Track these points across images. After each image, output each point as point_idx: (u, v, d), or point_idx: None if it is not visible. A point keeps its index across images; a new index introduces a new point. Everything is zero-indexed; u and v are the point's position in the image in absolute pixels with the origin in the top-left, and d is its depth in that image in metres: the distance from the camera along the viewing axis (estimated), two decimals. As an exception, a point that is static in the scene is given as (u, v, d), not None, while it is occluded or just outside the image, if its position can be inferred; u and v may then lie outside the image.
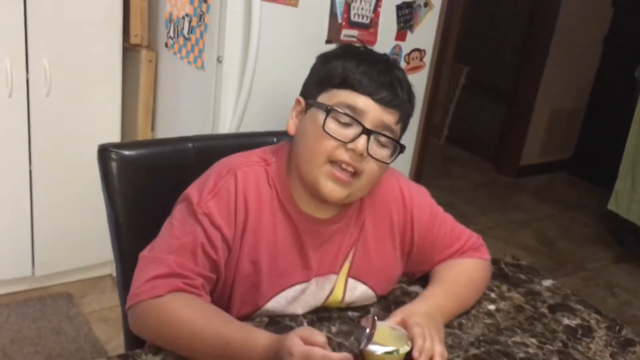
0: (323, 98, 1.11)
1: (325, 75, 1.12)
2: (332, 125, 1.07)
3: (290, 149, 1.18)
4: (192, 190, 1.12)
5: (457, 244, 1.29)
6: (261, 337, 0.97)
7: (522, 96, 4.38)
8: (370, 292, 1.23)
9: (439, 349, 1.03)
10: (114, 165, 1.24)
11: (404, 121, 1.13)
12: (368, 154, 1.07)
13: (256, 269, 1.13)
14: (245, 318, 1.15)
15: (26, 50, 2.16)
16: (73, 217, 2.45)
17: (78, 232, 2.48)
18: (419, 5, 2.14)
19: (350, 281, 1.21)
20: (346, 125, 1.07)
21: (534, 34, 4.27)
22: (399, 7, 2.09)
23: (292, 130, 1.16)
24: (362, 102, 1.07)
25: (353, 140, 1.06)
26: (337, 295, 1.21)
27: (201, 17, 1.98)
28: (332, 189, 1.09)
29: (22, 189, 2.32)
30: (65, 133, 2.34)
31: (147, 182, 1.28)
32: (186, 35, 2.09)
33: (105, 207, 1.29)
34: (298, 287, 1.16)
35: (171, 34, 2.19)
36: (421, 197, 1.28)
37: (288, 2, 1.88)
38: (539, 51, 4.24)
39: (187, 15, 2.06)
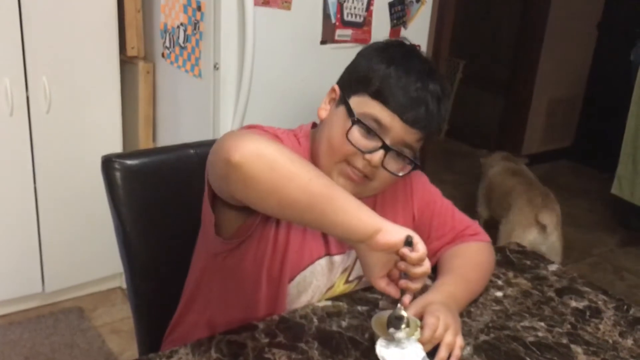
0: (355, 101, 1.12)
1: (364, 78, 1.12)
2: (355, 134, 1.10)
3: (311, 129, 1.22)
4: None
5: (454, 222, 1.33)
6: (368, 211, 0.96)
7: (520, 86, 4.40)
8: None
9: (448, 340, 1.04)
10: (118, 175, 1.26)
11: (426, 138, 1.16)
12: (382, 165, 1.11)
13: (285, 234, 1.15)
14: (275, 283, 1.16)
15: (25, 68, 2.18)
16: (80, 232, 2.47)
17: (86, 247, 2.49)
18: (411, 1, 2.16)
19: None
20: (368, 135, 1.10)
21: (528, 23, 4.28)
22: (391, 4, 2.11)
23: (322, 115, 1.19)
24: (389, 119, 1.09)
25: (371, 152, 1.10)
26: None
27: (196, 26, 2.00)
28: (342, 185, 1.10)
29: (28, 206, 2.34)
30: (68, 149, 2.36)
31: (152, 190, 1.29)
32: (182, 45, 2.11)
33: (112, 218, 1.30)
34: (322, 261, 1.19)
35: (167, 44, 2.21)
36: (419, 175, 1.33)
37: (281, 5, 1.90)
38: (534, 40, 4.26)
39: (181, 24, 2.08)
